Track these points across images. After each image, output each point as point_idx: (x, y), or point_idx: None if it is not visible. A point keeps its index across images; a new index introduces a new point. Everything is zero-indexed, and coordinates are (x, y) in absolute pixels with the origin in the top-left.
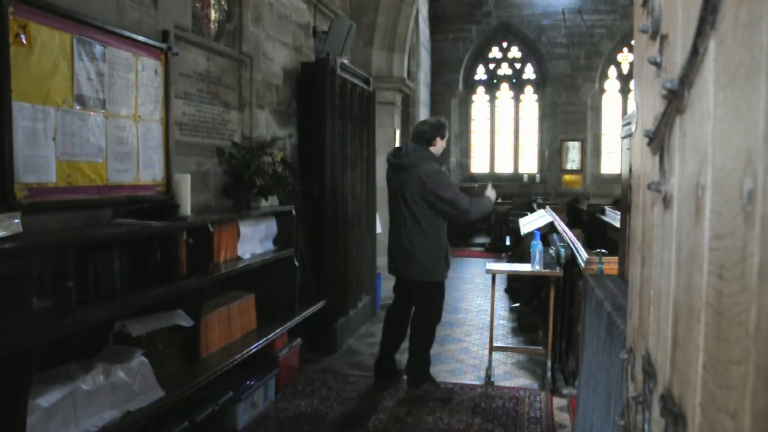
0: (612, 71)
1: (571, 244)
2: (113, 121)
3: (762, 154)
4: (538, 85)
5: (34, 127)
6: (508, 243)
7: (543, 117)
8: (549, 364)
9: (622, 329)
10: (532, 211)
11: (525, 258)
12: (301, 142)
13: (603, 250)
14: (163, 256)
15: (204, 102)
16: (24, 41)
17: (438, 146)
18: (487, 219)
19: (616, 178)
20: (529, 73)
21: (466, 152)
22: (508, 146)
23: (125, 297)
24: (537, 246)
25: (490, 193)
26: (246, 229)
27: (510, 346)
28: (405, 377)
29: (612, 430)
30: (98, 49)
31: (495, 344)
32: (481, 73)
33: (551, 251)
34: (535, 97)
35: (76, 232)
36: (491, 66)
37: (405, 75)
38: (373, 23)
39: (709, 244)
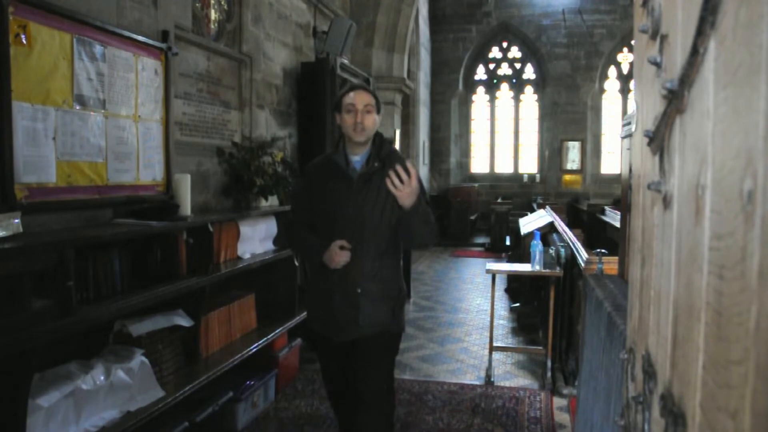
0: (612, 71)
1: (571, 244)
2: (113, 121)
3: (762, 154)
4: (538, 85)
5: (34, 127)
6: (508, 243)
7: (543, 117)
8: (549, 364)
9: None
10: (532, 211)
11: (525, 258)
12: (301, 142)
13: (603, 250)
14: (163, 256)
15: (204, 102)
16: (24, 41)
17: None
18: (487, 219)
19: (616, 178)
20: (529, 73)
21: (466, 152)
22: (508, 146)
23: (125, 297)
24: (537, 246)
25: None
26: (246, 229)
27: (510, 346)
28: None
29: (612, 430)
30: (98, 49)
31: (495, 344)
32: (481, 73)
33: (551, 251)
34: (535, 97)
35: (76, 232)
36: (491, 66)
37: (405, 75)
38: (373, 23)
39: (709, 244)
